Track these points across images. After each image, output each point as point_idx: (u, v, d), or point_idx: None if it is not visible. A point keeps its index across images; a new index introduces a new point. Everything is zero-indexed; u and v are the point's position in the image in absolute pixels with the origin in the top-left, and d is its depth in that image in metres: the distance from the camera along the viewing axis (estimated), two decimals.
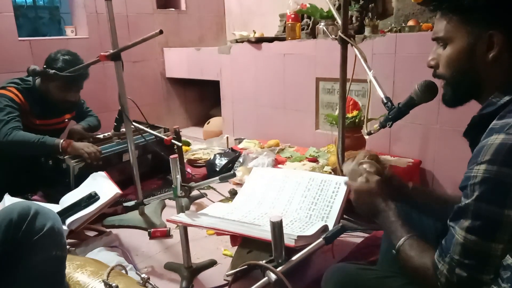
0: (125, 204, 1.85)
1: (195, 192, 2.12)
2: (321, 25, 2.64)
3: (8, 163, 2.19)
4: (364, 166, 1.04)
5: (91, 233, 1.88)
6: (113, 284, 0.97)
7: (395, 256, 0.91)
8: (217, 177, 1.49)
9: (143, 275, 1.04)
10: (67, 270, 1.03)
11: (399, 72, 2.27)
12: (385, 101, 1.27)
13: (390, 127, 1.23)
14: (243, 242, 1.57)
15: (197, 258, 1.67)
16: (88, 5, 3.19)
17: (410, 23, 2.38)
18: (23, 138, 2.08)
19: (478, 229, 0.73)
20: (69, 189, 1.99)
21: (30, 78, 2.25)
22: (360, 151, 1.14)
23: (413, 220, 1.10)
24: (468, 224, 0.74)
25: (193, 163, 2.81)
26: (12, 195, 1.87)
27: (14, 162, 2.21)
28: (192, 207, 2.22)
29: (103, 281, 0.99)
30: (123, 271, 1.15)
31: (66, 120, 2.50)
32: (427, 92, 1.06)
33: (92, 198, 1.74)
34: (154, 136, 2.01)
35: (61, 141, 2.11)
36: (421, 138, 2.28)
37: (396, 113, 1.19)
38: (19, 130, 2.09)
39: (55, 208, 1.76)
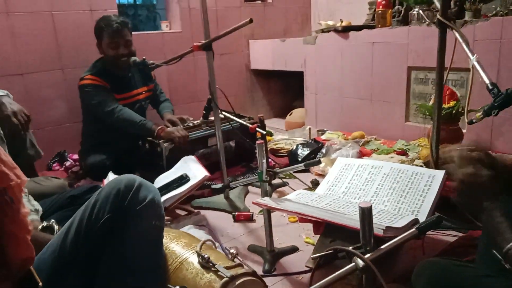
0: (213, 186, 1.94)
1: (277, 181, 2.16)
2: (416, 10, 2.49)
3: (112, 146, 2.45)
4: (479, 154, 0.92)
5: (182, 213, 2.01)
6: (205, 256, 1.03)
7: (495, 257, 0.83)
8: (302, 164, 1.49)
9: (232, 251, 1.08)
10: (164, 240, 1.12)
11: (505, 59, 2.05)
12: (490, 87, 1.17)
13: (495, 115, 1.13)
14: (326, 230, 1.55)
15: (279, 243, 1.70)
16: (182, 0, 3.39)
17: None
18: (129, 117, 2.35)
19: None
20: (162, 170, 2.15)
21: (98, 63, 2.47)
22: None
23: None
24: None
25: (275, 152, 2.84)
26: (115, 173, 2.07)
27: (117, 146, 2.46)
28: (274, 195, 2.25)
29: (197, 252, 1.06)
30: (213, 246, 1.21)
31: (140, 94, 2.61)
32: None
33: (183, 179, 1.86)
34: (239, 124, 2.07)
35: (158, 127, 2.32)
36: None
37: (503, 100, 1.08)
38: (126, 108, 2.34)
39: None
